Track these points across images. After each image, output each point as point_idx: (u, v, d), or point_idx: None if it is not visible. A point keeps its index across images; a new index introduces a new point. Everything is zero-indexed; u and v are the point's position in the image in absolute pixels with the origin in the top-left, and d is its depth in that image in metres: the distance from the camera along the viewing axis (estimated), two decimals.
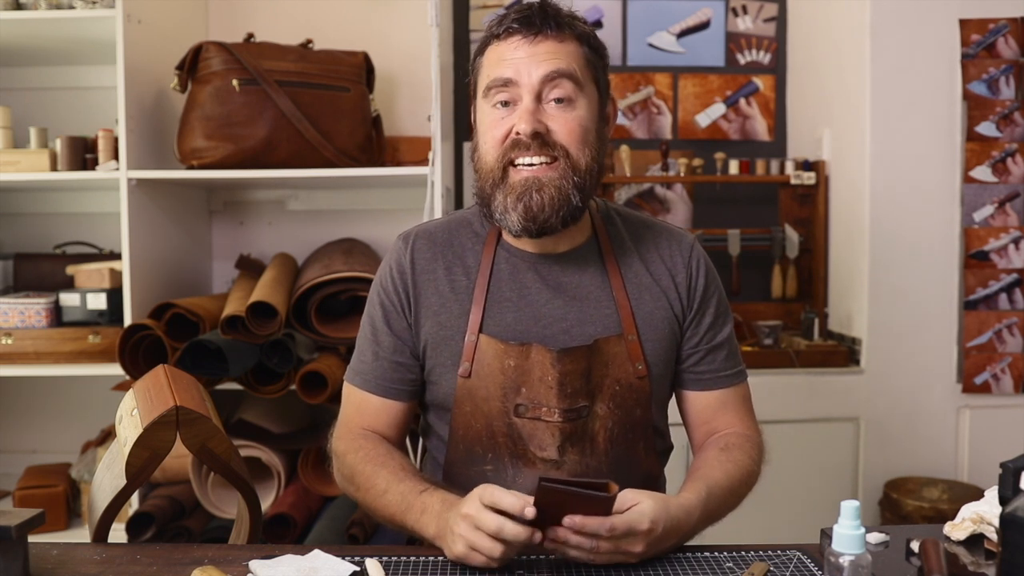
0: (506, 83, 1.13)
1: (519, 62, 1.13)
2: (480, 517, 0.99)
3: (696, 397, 1.28)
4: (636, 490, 1.04)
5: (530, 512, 0.97)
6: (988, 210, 2.54)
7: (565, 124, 1.14)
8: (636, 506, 1.01)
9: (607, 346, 1.19)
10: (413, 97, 2.54)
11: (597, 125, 1.18)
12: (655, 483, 1.29)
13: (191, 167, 2.14)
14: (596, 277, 1.23)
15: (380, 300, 1.26)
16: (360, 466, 1.18)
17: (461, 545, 1.00)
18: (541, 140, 1.13)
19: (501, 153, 1.15)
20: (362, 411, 1.25)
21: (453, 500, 1.07)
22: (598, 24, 2.97)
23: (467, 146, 2.81)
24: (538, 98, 1.13)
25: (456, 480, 1.22)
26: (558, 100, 1.13)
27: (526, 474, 1.17)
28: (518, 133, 1.12)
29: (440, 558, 1.07)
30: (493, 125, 1.15)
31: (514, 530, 0.97)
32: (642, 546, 1.01)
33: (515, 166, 1.14)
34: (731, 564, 1.06)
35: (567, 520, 0.98)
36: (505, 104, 1.15)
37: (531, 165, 1.13)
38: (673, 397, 1.32)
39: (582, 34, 1.17)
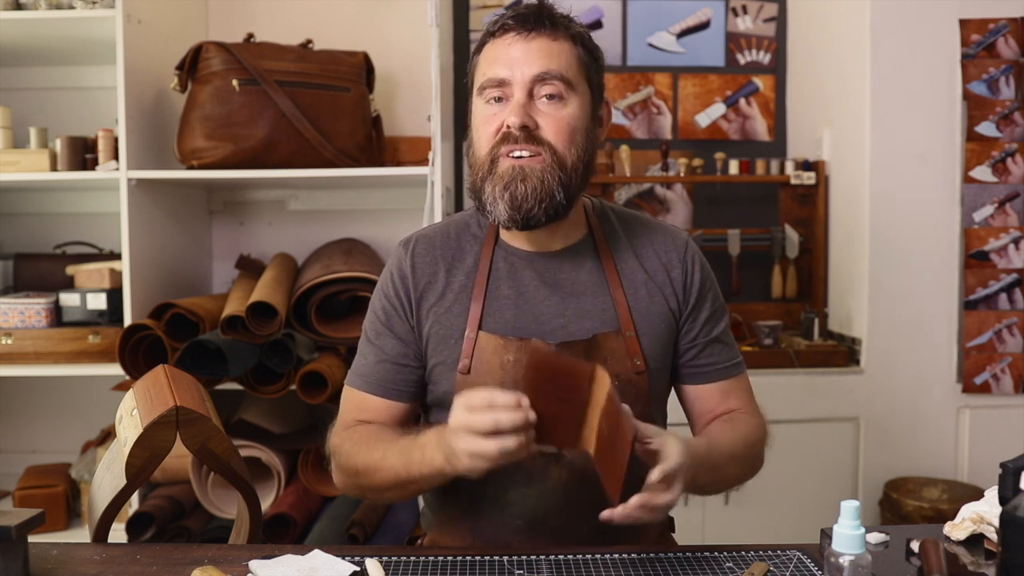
0: (500, 83, 1.16)
1: (512, 60, 1.15)
2: (472, 420, 0.99)
3: (698, 391, 1.28)
4: (648, 425, 1.03)
5: (525, 404, 0.97)
6: (988, 210, 2.54)
7: (554, 122, 1.16)
8: (664, 452, 1.01)
9: (605, 342, 1.19)
10: (413, 97, 2.54)
11: (588, 125, 1.20)
12: None
13: (191, 167, 2.14)
14: (592, 273, 1.24)
15: (382, 304, 1.26)
16: (355, 448, 1.18)
17: (465, 458, 1.00)
18: (528, 133, 1.15)
19: (492, 146, 1.17)
20: (361, 410, 1.25)
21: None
22: (598, 24, 2.97)
23: (466, 145, 2.82)
24: (530, 94, 1.16)
25: (456, 478, 1.22)
26: (549, 96, 1.16)
27: (525, 468, 1.18)
28: (508, 126, 1.15)
29: (440, 558, 1.07)
30: (486, 121, 1.18)
31: (510, 416, 0.97)
32: (680, 486, 1.01)
33: (503, 156, 1.16)
34: (731, 564, 1.06)
35: (635, 500, 0.98)
36: (498, 100, 1.17)
37: (519, 157, 1.15)
38: (672, 393, 1.33)
39: (576, 34, 1.19)
